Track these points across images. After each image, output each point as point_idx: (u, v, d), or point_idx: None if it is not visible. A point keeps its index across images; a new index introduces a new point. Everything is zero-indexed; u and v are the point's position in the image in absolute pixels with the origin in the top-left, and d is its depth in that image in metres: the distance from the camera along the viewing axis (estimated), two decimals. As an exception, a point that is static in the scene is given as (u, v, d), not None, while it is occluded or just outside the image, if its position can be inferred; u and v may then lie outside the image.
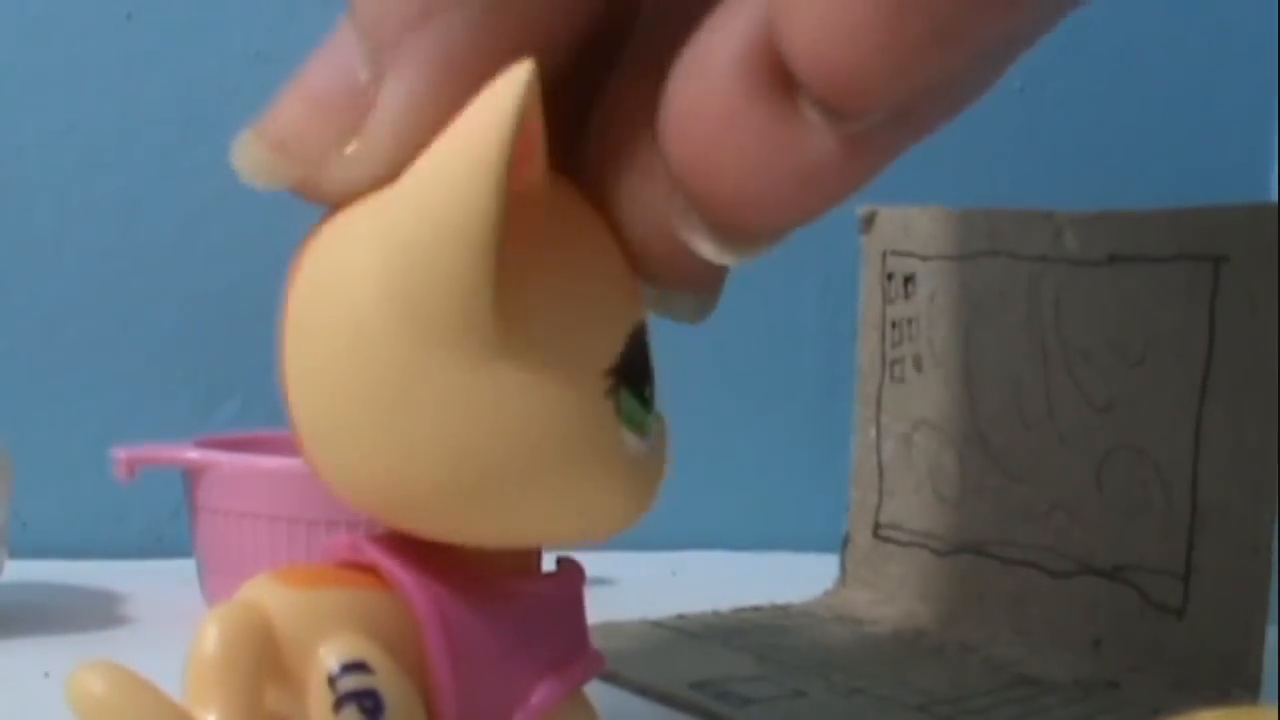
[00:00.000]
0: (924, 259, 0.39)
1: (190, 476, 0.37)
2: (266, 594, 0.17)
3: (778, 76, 0.16)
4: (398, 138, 0.17)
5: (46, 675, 0.30)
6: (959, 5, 0.15)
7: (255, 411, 0.48)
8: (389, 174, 0.17)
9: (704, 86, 0.16)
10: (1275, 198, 0.59)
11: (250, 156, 0.18)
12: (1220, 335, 0.31)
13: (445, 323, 0.16)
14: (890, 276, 0.40)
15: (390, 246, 0.17)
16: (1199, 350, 0.32)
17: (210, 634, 0.16)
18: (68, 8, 0.48)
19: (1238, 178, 0.60)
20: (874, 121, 0.16)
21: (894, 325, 0.40)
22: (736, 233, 0.18)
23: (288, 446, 0.37)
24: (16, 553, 0.38)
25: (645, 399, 0.18)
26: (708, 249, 0.18)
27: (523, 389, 0.17)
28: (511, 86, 0.16)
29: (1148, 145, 0.58)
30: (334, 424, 0.18)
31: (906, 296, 0.39)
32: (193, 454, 0.37)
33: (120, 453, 0.37)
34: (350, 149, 0.17)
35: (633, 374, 0.18)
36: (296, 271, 0.18)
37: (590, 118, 0.19)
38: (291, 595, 0.17)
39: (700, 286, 0.20)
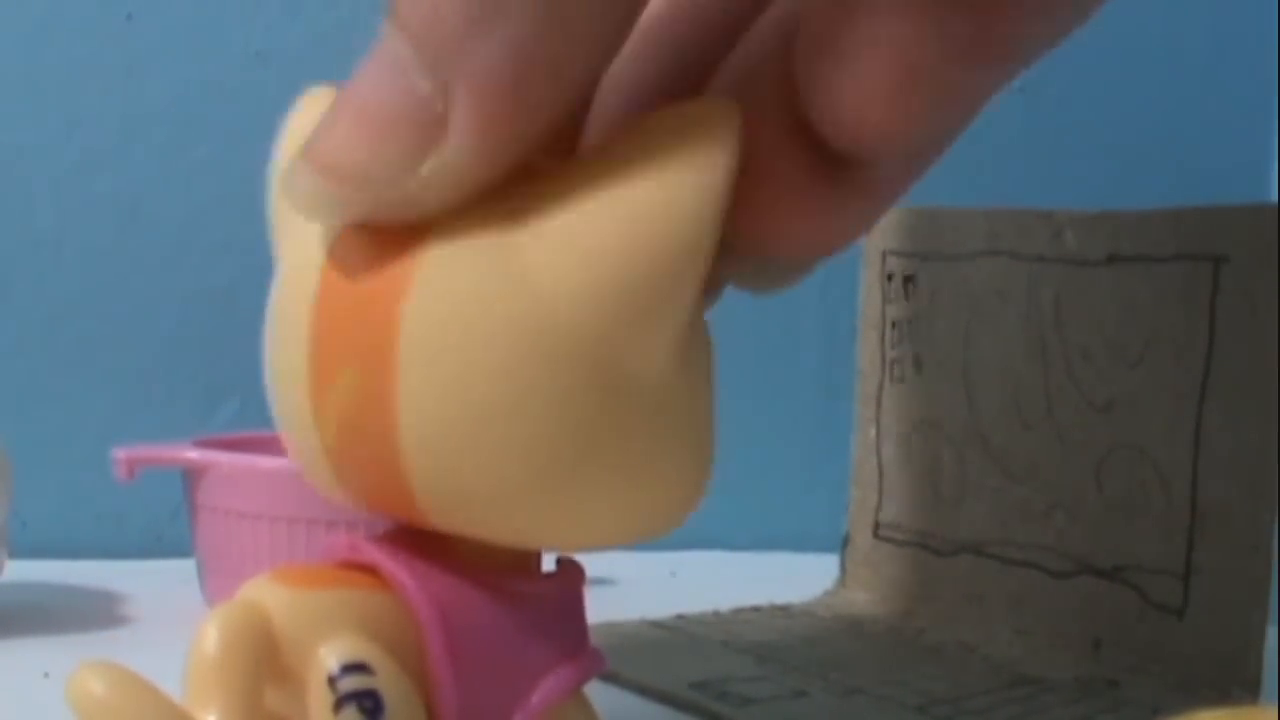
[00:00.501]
0: (924, 259, 0.39)
1: (190, 476, 0.37)
2: (266, 594, 0.17)
3: (817, 156, 0.18)
4: (481, 153, 0.16)
5: (46, 675, 0.30)
6: (957, 70, 0.16)
7: (255, 411, 0.48)
8: (477, 189, 0.16)
9: (752, 164, 0.17)
10: (1275, 198, 0.59)
11: (308, 190, 0.16)
12: (1220, 335, 0.31)
13: (642, 353, 0.17)
14: (890, 276, 0.40)
15: (596, 273, 0.16)
16: (1199, 350, 0.32)
17: (210, 634, 0.16)
18: (68, 8, 0.48)
19: (1238, 178, 0.60)
20: (888, 167, 0.18)
21: (894, 325, 0.40)
22: (778, 264, 0.19)
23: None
24: (16, 553, 0.38)
25: None
26: (753, 282, 0.20)
27: (687, 409, 0.18)
28: (730, 124, 0.16)
29: (1148, 145, 0.58)
30: (489, 441, 0.17)
31: (906, 296, 0.39)
32: (193, 454, 0.37)
33: (120, 453, 0.37)
34: (427, 168, 0.16)
35: None
36: (401, 292, 0.17)
37: (590, 110, 0.19)
38: (291, 595, 0.17)
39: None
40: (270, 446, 0.38)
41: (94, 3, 0.48)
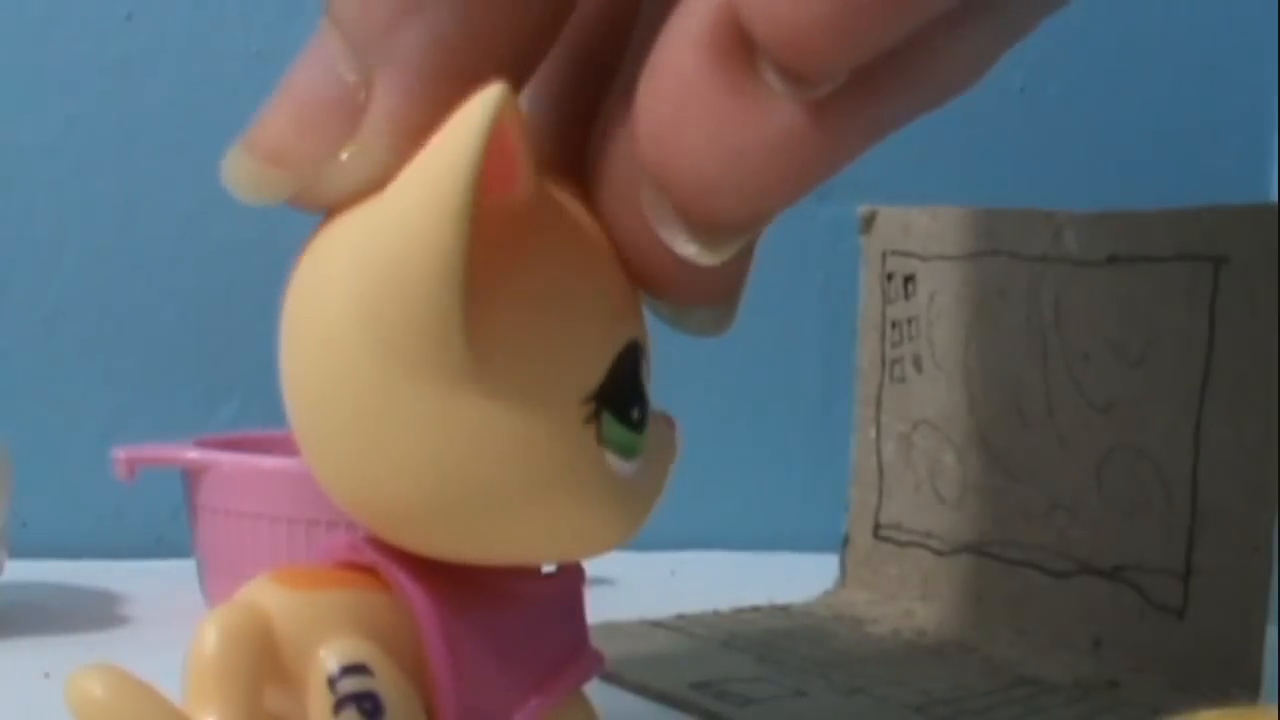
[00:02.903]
0: (924, 259, 0.39)
1: (190, 476, 0.37)
2: (266, 595, 0.17)
3: (737, 48, 0.16)
4: (393, 140, 0.17)
5: (46, 675, 0.30)
6: None
7: (255, 411, 0.48)
8: (387, 177, 0.17)
9: (663, 65, 0.16)
10: (1275, 198, 0.59)
11: (243, 172, 0.17)
12: (1220, 335, 0.31)
13: (415, 347, 0.16)
14: (890, 276, 0.40)
15: (360, 268, 0.16)
16: (1199, 350, 0.32)
17: (209, 635, 0.16)
18: (68, 8, 0.48)
19: (1238, 178, 0.60)
20: (833, 85, 0.16)
21: (894, 325, 0.40)
22: (710, 223, 0.17)
23: (288, 446, 0.38)
24: (16, 553, 0.38)
25: (632, 422, 0.18)
26: (685, 246, 0.17)
27: (493, 417, 0.17)
28: (481, 109, 0.15)
29: (1148, 145, 0.58)
30: (316, 434, 0.18)
31: (906, 296, 0.39)
32: (193, 454, 0.37)
33: (120, 453, 0.37)
34: (345, 155, 0.17)
35: (618, 398, 0.18)
36: (293, 277, 0.18)
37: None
38: (291, 596, 0.17)
39: (714, 299, 0.19)
40: (271, 446, 0.38)
41: (94, 3, 0.48)
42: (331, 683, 0.17)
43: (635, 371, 0.18)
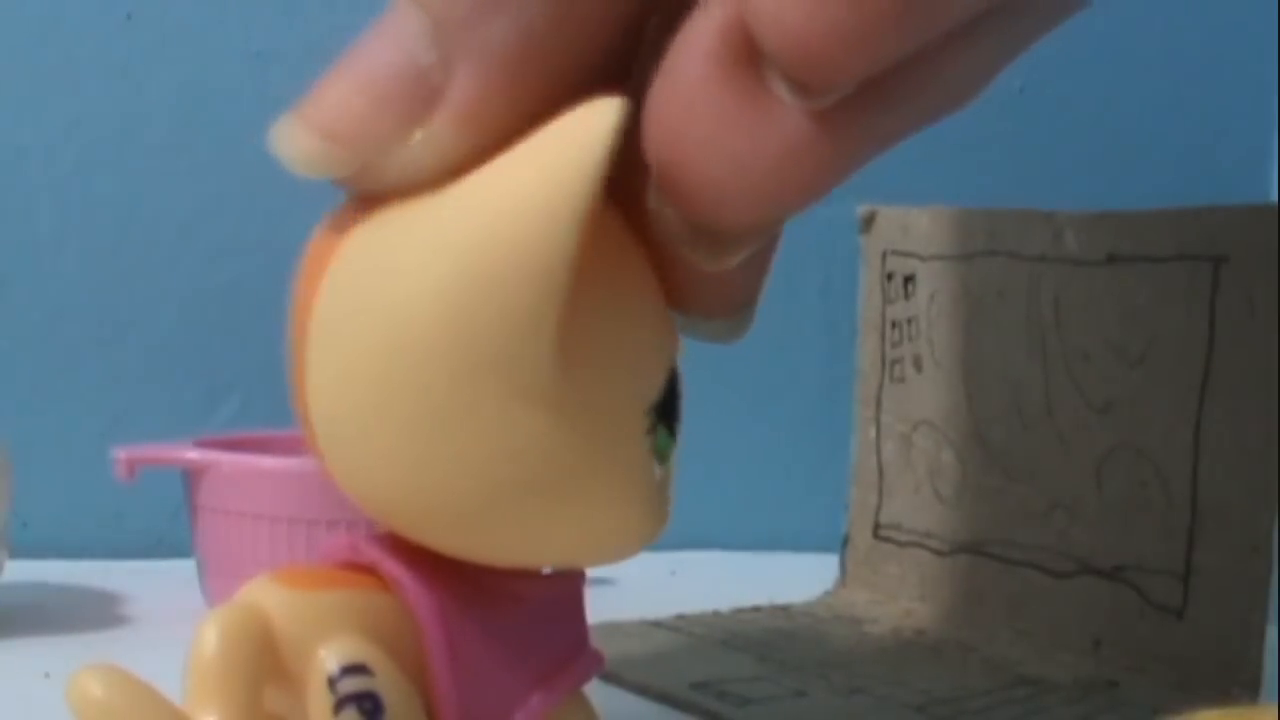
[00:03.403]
0: (924, 259, 0.39)
1: (190, 476, 0.37)
2: (266, 595, 0.17)
3: (746, 57, 0.16)
4: (467, 129, 0.16)
5: (46, 675, 0.30)
6: None
7: (255, 411, 0.48)
8: (452, 166, 0.16)
9: (673, 72, 0.16)
10: (1275, 198, 0.59)
11: (298, 146, 0.16)
12: (1220, 335, 0.31)
13: (504, 353, 0.16)
14: (890, 276, 0.40)
15: (454, 267, 0.16)
16: (1199, 350, 0.32)
17: (209, 636, 0.16)
18: (68, 8, 0.48)
19: (1238, 178, 0.60)
20: (842, 94, 0.16)
21: (894, 325, 0.40)
22: (714, 229, 0.17)
23: (288, 446, 0.38)
24: (16, 553, 0.38)
25: (673, 432, 0.18)
26: (692, 253, 0.17)
27: (570, 426, 0.17)
28: (603, 121, 0.15)
29: (1148, 145, 0.58)
30: (361, 431, 0.17)
31: (906, 296, 0.39)
32: (193, 454, 0.37)
33: (120, 453, 0.37)
34: (415, 139, 0.16)
35: (670, 409, 0.18)
36: (325, 263, 0.17)
37: None
38: (291, 596, 0.17)
39: (728, 312, 0.19)
40: (271, 446, 0.38)
41: (94, 3, 0.48)
42: (332, 683, 0.17)
43: (678, 386, 0.19)
